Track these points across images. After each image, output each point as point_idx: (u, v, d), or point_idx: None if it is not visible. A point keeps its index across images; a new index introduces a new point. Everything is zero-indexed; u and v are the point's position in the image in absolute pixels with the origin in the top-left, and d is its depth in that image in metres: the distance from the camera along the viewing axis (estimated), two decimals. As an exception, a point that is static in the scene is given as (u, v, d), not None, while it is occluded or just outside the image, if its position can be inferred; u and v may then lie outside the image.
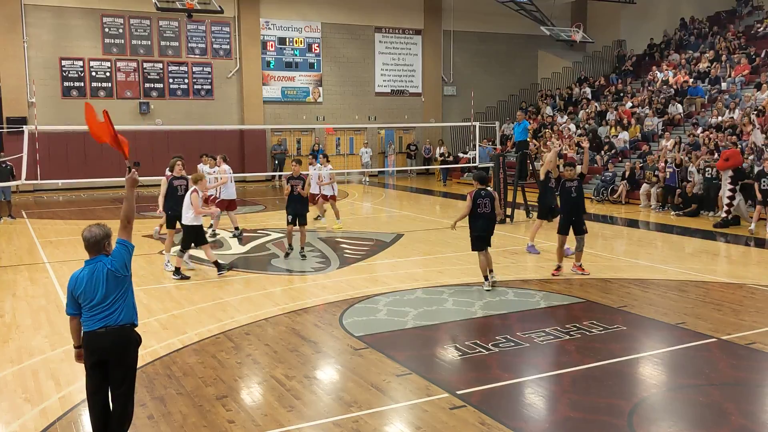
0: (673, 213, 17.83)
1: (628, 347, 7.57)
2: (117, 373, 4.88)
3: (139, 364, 6.63)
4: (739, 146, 18.14)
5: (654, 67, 28.07)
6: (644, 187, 19.54)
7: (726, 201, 15.79)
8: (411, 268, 11.47)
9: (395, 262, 12.15)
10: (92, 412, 4.97)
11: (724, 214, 15.80)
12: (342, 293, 9.92)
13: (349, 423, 5.68)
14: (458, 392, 6.27)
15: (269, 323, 8.52)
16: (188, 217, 10.87)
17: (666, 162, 19.36)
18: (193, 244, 11.00)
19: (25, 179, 14.64)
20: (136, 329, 5.00)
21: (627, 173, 20.55)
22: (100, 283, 4.83)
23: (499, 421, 5.68)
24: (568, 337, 7.83)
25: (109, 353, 4.84)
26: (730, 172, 15.77)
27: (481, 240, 9.81)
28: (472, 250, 9.98)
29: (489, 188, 10.00)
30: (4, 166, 17.04)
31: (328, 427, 5.65)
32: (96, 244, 4.90)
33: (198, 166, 18.23)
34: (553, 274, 10.77)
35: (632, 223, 17.03)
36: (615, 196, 20.51)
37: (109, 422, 4.97)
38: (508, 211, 16.60)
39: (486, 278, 9.97)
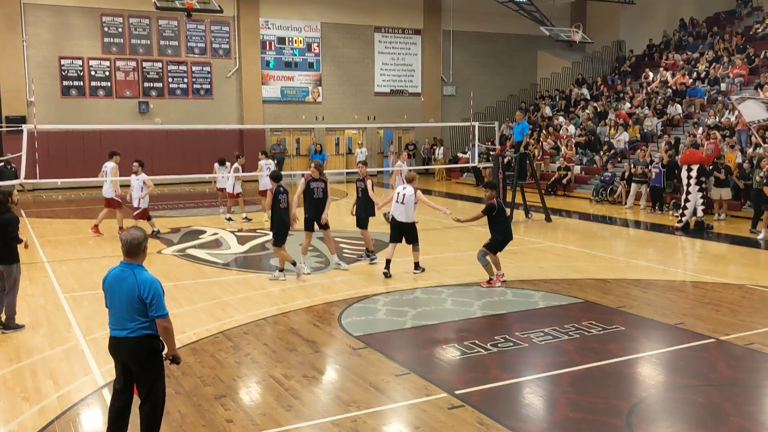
0: (672, 213, 17.82)
1: (626, 347, 7.58)
2: (141, 385, 4.92)
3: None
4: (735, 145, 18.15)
5: (647, 69, 28.08)
6: (633, 186, 19.52)
7: (700, 201, 15.67)
8: (410, 268, 11.46)
9: (394, 261, 12.13)
10: (111, 406, 5.07)
11: (700, 213, 15.70)
12: (341, 293, 9.92)
13: (347, 423, 5.68)
14: (457, 392, 6.27)
15: (268, 323, 8.52)
16: (409, 215, 10.95)
17: (652, 161, 19.34)
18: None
19: (24, 178, 14.62)
20: (157, 339, 4.92)
21: (626, 174, 20.53)
22: (123, 292, 4.82)
23: (497, 420, 5.68)
24: (566, 337, 7.83)
25: (129, 360, 4.89)
26: (694, 172, 15.63)
27: (286, 232, 10.80)
28: (277, 243, 10.67)
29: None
30: (9, 168, 17.01)
31: (326, 426, 5.65)
32: (136, 246, 4.87)
33: (215, 165, 18.35)
34: (483, 285, 10.25)
35: (631, 224, 17.04)
36: (614, 197, 20.51)
37: (119, 425, 5.02)
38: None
39: (294, 264, 10.81)
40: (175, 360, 5.02)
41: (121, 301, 4.82)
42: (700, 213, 15.61)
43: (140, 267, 4.90)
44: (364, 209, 12.25)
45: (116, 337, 4.88)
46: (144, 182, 14.54)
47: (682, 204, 15.93)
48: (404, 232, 11.10)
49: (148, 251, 5.05)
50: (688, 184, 15.63)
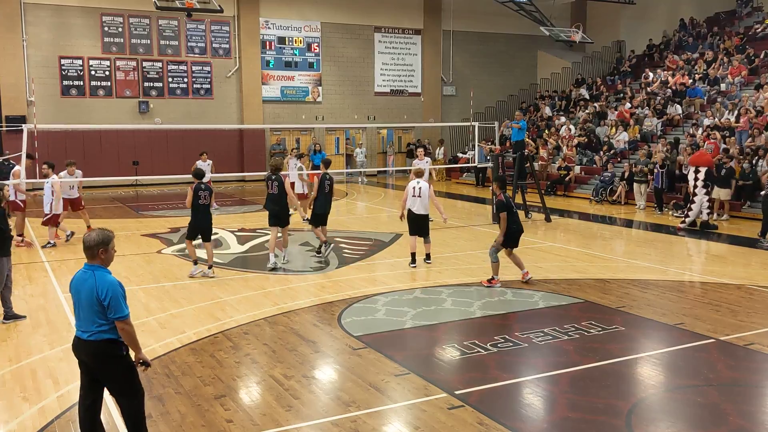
0: (672, 214, 17.81)
1: (626, 348, 7.58)
2: (110, 388, 4.93)
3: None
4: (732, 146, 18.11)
5: (647, 69, 28.07)
6: (636, 186, 19.52)
7: (705, 204, 15.69)
8: (409, 268, 11.48)
9: (394, 261, 12.16)
10: (79, 409, 5.05)
11: (705, 216, 15.73)
12: (341, 293, 9.93)
13: (347, 423, 5.69)
14: (456, 392, 6.27)
15: (268, 323, 8.52)
16: (426, 207, 11.62)
17: (654, 162, 19.34)
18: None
19: (23, 178, 14.59)
20: (118, 343, 4.82)
21: (626, 174, 20.53)
22: (83, 293, 4.82)
23: (497, 421, 5.68)
24: (566, 337, 7.84)
25: (90, 362, 4.87)
26: (701, 174, 15.62)
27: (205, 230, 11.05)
28: (189, 236, 11.00)
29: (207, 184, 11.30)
30: (7, 164, 16.97)
31: (326, 426, 5.65)
32: (89, 249, 4.86)
33: (197, 162, 18.63)
34: (485, 284, 10.28)
35: (631, 224, 17.04)
36: (614, 197, 20.50)
37: (91, 423, 5.00)
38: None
39: (195, 262, 11.07)
40: (145, 364, 4.96)
41: (83, 304, 4.82)
42: (704, 215, 15.65)
43: (102, 269, 4.86)
44: (322, 206, 12.21)
45: (79, 338, 4.88)
46: (53, 186, 13.39)
47: (688, 204, 15.93)
48: (419, 224, 11.61)
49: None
50: (695, 186, 15.65)
